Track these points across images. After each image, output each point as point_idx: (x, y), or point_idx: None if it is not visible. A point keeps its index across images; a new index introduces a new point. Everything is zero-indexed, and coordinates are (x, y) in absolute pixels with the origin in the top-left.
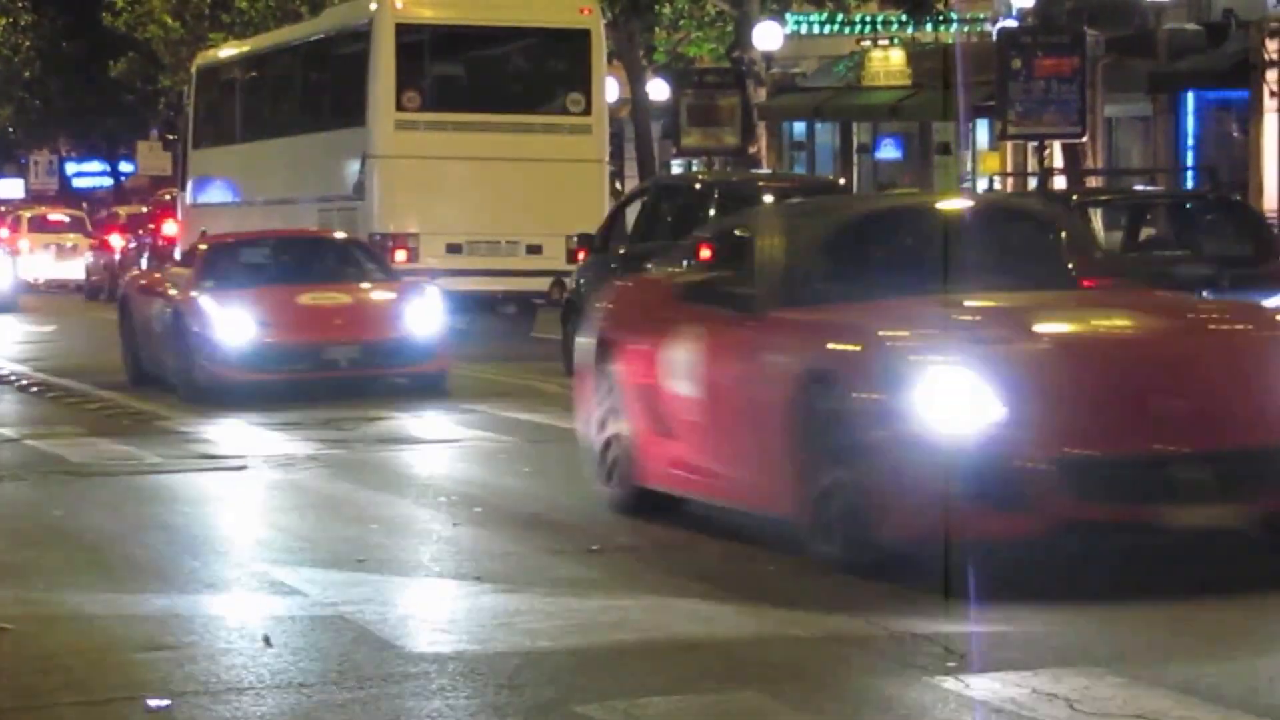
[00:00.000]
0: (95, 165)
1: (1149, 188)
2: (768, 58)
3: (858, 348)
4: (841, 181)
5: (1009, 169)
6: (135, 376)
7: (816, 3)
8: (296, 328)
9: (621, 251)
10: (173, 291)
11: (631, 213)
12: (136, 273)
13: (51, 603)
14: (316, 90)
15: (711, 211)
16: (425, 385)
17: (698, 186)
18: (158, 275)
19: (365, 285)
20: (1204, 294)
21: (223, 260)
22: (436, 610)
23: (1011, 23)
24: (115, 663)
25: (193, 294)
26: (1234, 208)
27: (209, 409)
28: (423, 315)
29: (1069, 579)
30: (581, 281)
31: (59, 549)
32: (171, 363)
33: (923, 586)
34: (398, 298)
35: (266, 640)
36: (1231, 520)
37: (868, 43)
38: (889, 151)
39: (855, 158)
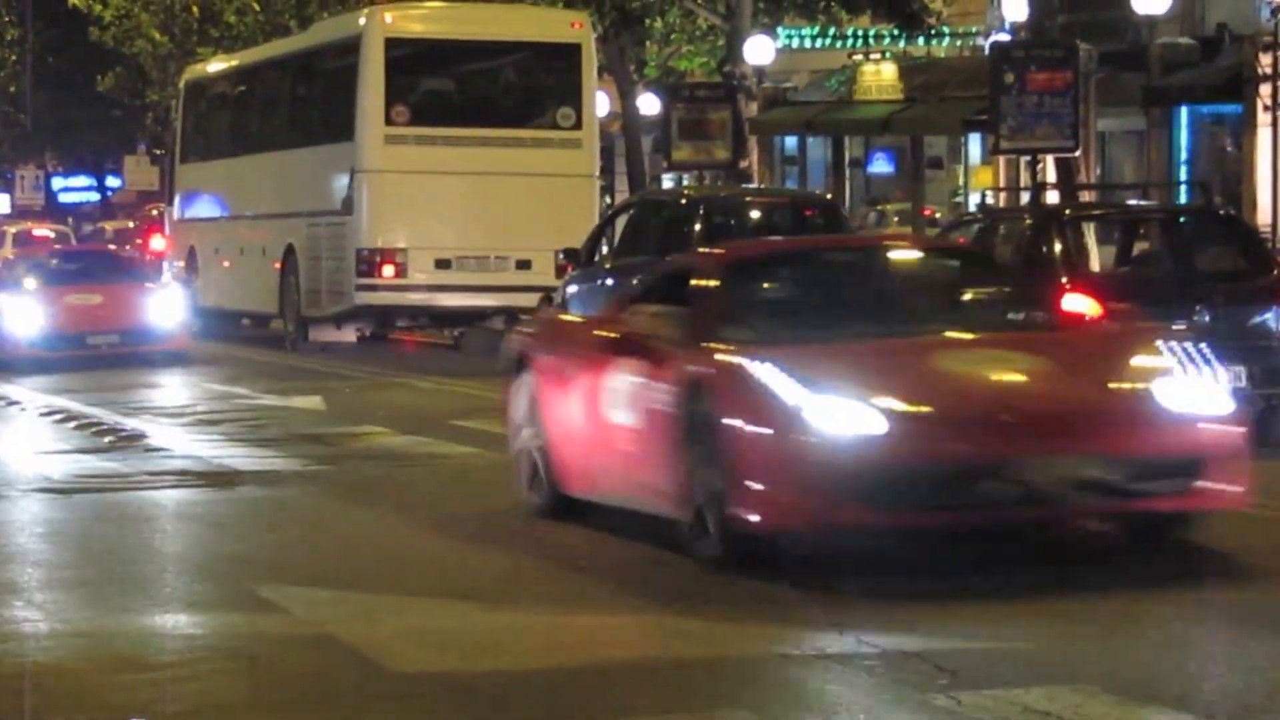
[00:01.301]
0: (82, 180)
1: (1142, 203)
2: (759, 72)
3: None
4: (830, 196)
5: (1002, 183)
6: (554, 503)
7: (808, 17)
8: (962, 422)
9: (609, 266)
10: (669, 355)
11: (618, 227)
12: (549, 315)
13: (33, 622)
14: (305, 105)
15: (697, 226)
16: (1175, 523)
17: (684, 201)
18: (607, 320)
19: (1034, 328)
20: (1197, 309)
21: (754, 291)
22: (424, 629)
23: (1004, 37)
24: (98, 682)
25: (725, 358)
26: (1228, 223)
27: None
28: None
29: (1062, 597)
30: (567, 294)
31: (40, 567)
32: (674, 488)
33: (913, 603)
34: (1122, 351)
35: (251, 660)
36: None
37: (859, 57)
38: (881, 166)
39: (847, 172)
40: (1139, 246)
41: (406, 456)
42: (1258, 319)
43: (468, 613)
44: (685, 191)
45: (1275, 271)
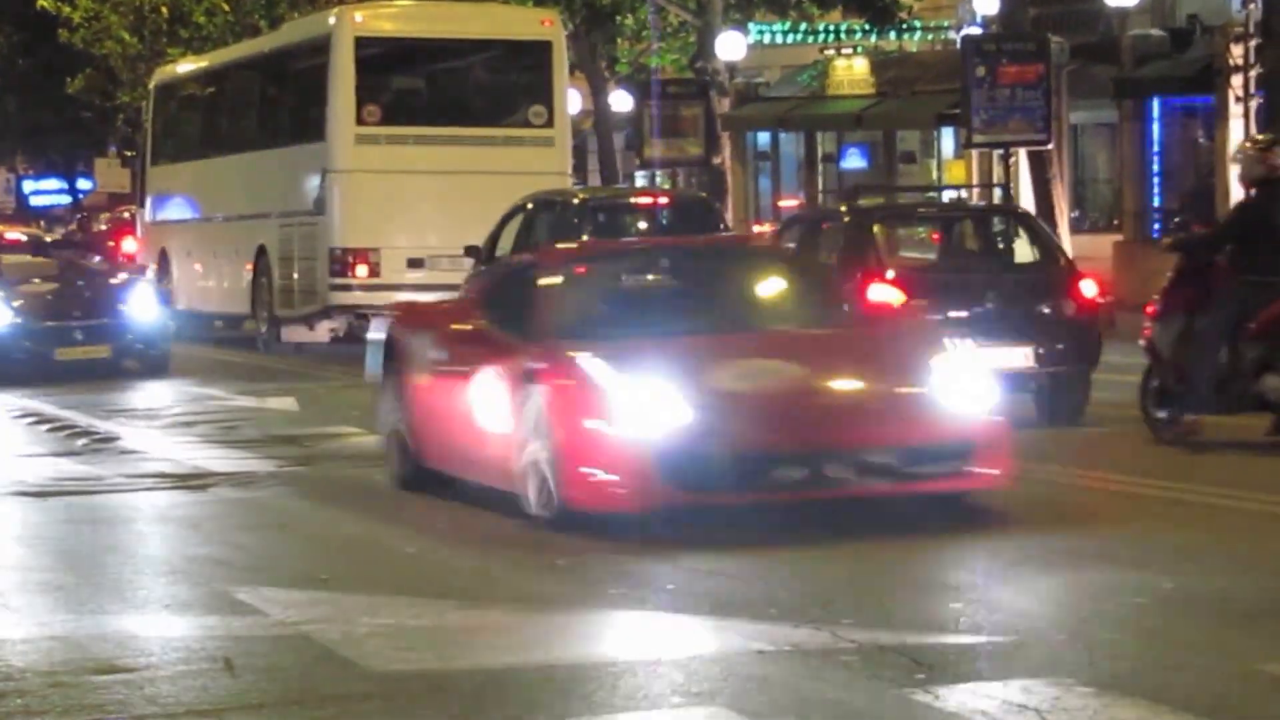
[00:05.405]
0: (53, 183)
1: (948, 202)
2: (731, 68)
3: None
4: (705, 195)
5: (975, 177)
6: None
7: (779, 12)
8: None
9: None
10: None
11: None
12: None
13: (7, 624)
14: (276, 105)
15: (589, 227)
16: None
17: (574, 202)
18: None
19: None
20: (991, 296)
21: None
22: (400, 628)
23: (975, 30)
24: (73, 685)
25: None
26: (1023, 219)
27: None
28: None
29: (1037, 591)
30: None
31: (15, 570)
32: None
33: (890, 597)
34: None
35: (227, 661)
36: None
37: (831, 52)
38: (854, 161)
39: (820, 168)
40: (943, 242)
41: (380, 457)
42: (1044, 305)
43: (443, 611)
44: (575, 193)
45: (1061, 262)
